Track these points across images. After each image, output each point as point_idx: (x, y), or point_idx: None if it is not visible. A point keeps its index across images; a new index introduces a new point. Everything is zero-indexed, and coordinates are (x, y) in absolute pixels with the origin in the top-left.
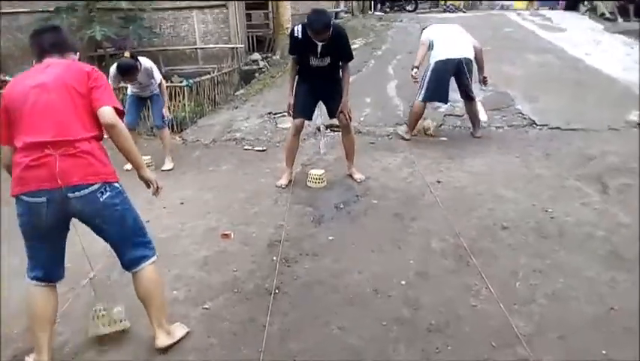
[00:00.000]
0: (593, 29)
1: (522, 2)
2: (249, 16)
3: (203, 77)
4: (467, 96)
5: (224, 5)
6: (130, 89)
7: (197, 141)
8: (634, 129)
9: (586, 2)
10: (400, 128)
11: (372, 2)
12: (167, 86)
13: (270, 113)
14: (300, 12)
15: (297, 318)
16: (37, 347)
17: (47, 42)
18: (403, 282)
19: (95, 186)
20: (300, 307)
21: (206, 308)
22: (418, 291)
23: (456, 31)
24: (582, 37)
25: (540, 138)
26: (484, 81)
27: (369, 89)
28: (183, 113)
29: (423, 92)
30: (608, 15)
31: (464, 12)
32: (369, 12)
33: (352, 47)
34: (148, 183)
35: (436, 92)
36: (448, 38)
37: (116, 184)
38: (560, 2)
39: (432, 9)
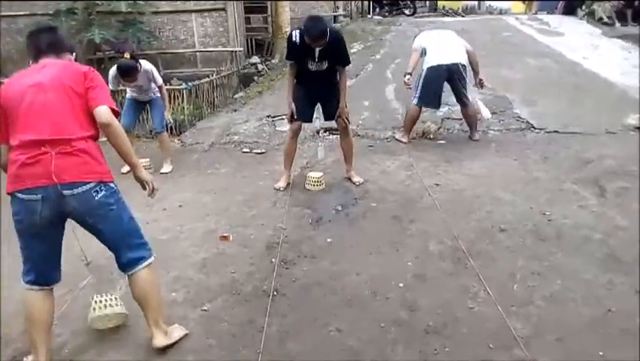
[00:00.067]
0: (590, 34)
1: (521, 6)
2: (248, 20)
3: (202, 80)
4: (461, 101)
5: (223, 9)
6: (128, 92)
7: (196, 143)
8: (631, 133)
9: (584, 7)
10: (397, 133)
11: (371, 6)
12: (166, 89)
13: (268, 116)
14: (299, 15)
15: (296, 320)
16: (35, 350)
17: (44, 42)
18: (401, 284)
19: (91, 185)
20: (299, 309)
21: (205, 310)
22: (415, 293)
23: (448, 37)
24: (580, 41)
25: (538, 142)
26: (480, 84)
27: (368, 93)
28: (182, 116)
29: (417, 96)
30: (605, 19)
31: (463, 16)
32: (368, 16)
33: (351, 50)
34: (144, 184)
35: (428, 97)
36: (440, 44)
37: (111, 184)
38: (559, 6)
39: (430, 13)
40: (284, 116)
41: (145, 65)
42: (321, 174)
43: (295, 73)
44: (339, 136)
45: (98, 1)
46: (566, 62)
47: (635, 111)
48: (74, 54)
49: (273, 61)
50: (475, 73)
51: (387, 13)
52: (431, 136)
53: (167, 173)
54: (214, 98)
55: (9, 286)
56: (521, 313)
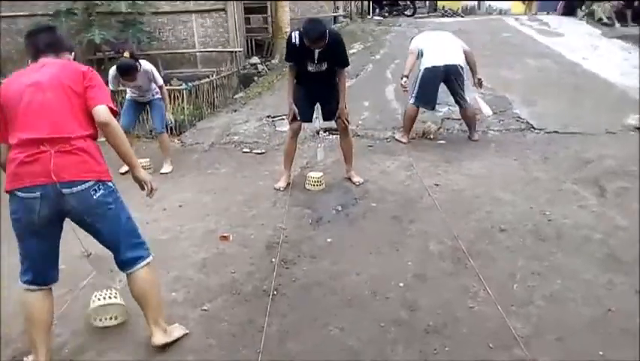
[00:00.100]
0: (590, 34)
1: (520, 7)
2: (247, 20)
3: (202, 81)
4: (458, 102)
5: (223, 9)
6: (128, 93)
7: (196, 143)
8: (631, 133)
9: (583, 7)
10: (397, 133)
11: (371, 6)
12: (166, 90)
13: (268, 117)
14: (299, 15)
15: (296, 319)
16: (35, 350)
17: (42, 42)
18: (401, 284)
19: (89, 183)
20: (299, 309)
21: (205, 310)
22: (415, 293)
23: (445, 38)
24: (580, 42)
25: (538, 142)
26: (479, 83)
27: (368, 93)
28: (182, 117)
29: (413, 96)
30: (605, 20)
31: (462, 17)
32: (368, 16)
33: (351, 51)
34: (142, 185)
35: (425, 97)
36: (437, 45)
37: (110, 183)
38: (559, 7)
39: (430, 14)
40: (284, 117)
41: (145, 65)
42: (321, 174)
43: (295, 74)
44: (339, 136)
45: (97, 2)
46: (566, 63)
47: (635, 111)
48: (73, 53)
49: (273, 61)
50: (474, 73)
51: (387, 14)
52: (431, 136)
53: (167, 173)
54: (214, 99)
55: (9, 286)
56: (521, 312)
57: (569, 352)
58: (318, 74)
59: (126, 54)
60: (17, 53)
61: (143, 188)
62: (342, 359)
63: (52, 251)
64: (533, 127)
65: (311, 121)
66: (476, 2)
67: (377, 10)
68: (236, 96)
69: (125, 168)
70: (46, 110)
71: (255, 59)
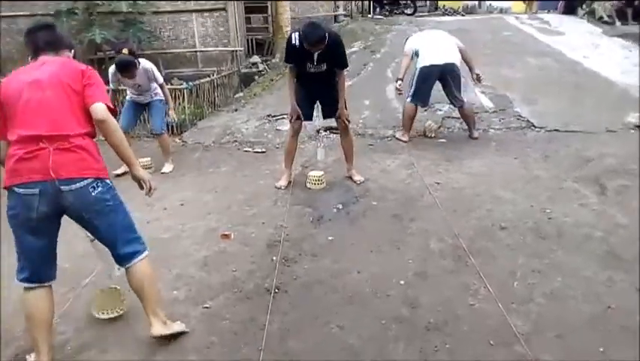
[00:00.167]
0: (591, 33)
1: (521, 5)
2: (248, 20)
3: (202, 80)
4: (453, 103)
5: (223, 8)
6: (128, 94)
7: (197, 143)
8: (632, 131)
9: (584, 6)
10: (397, 132)
11: (372, 5)
12: (168, 91)
13: (269, 116)
14: (299, 15)
15: (297, 317)
16: (37, 348)
17: (42, 40)
18: (402, 282)
19: (88, 181)
20: (300, 307)
21: (207, 308)
22: (416, 291)
23: (440, 37)
24: (580, 40)
25: (538, 140)
26: (477, 78)
27: (368, 92)
28: (183, 116)
29: (410, 95)
30: (606, 18)
31: (463, 15)
32: (369, 15)
33: (351, 49)
34: (141, 183)
35: (422, 95)
36: (433, 45)
37: (108, 180)
38: (559, 6)
39: (431, 12)
40: (284, 116)
41: (145, 63)
42: (321, 172)
43: (295, 74)
44: (339, 135)
45: (98, 2)
46: (567, 61)
47: (636, 110)
48: (73, 51)
49: (273, 60)
50: (471, 68)
51: (387, 13)
52: (432, 135)
53: (168, 172)
54: (215, 98)
55: (10, 284)
56: (522, 310)
57: (569, 349)
58: (317, 74)
59: (125, 51)
60: (18, 52)
61: (142, 187)
62: (343, 357)
63: (49, 249)
64: (534, 125)
65: (311, 120)
66: (477, 1)
67: (378, 9)
68: (236, 95)
69: (120, 170)
70: (46, 107)
71: (255, 59)
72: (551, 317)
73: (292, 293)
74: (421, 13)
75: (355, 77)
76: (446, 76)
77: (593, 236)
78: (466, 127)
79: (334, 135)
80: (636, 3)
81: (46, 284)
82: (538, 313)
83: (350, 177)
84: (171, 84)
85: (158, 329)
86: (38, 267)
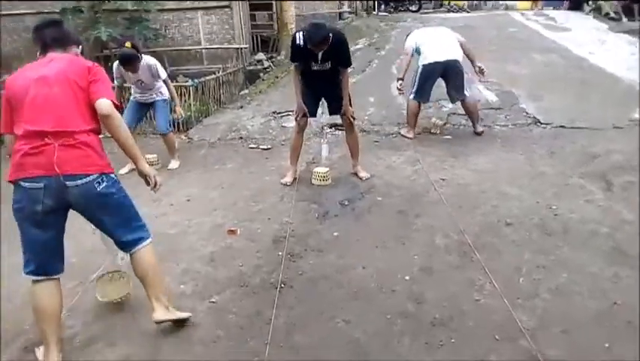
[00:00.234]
0: (597, 29)
1: (526, 2)
2: (253, 17)
3: (208, 77)
4: (454, 98)
5: (228, 6)
6: (132, 92)
7: (203, 140)
8: (638, 127)
9: (590, 2)
10: (402, 128)
11: (376, 3)
12: (173, 87)
13: (274, 113)
14: (304, 12)
15: (303, 312)
16: (45, 341)
17: (49, 37)
18: (407, 277)
19: (93, 177)
20: (306, 302)
21: (213, 302)
22: (422, 286)
23: (442, 34)
24: (586, 36)
25: (544, 137)
26: (480, 72)
27: (373, 89)
28: (189, 113)
29: (413, 92)
30: (612, 15)
31: (468, 12)
32: (373, 12)
33: (356, 46)
34: (146, 179)
35: (423, 92)
36: (435, 41)
37: (112, 175)
38: (564, 2)
39: (436, 9)
40: (289, 113)
41: (148, 59)
42: (327, 169)
43: (300, 72)
44: (344, 132)
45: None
46: (573, 58)
47: None
48: (80, 47)
49: (278, 58)
50: (473, 62)
51: (392, 10)
52: (437, 131)
53: (174, 169)
54: (220, 95)
55: (19, 277)
56: (527, 305)
57: (574, 344)
58: (322, 73)
59: (127, 44)
60: (25, 50)
61: (148, 183)
62: (349, 351)
63: (55, 242)
64: (540, 122)
65: (314, 115)
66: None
67: (382, 6)
68: (242, 92)
69: (125, 169)
70: (52, 104)
71: (260, 56)
72: (557, 313)
73: (298, 288)
74: (425, 10)
75: (360, 74)
76: (449, 72)
77: (599, 232)
78: (472, 128)
79: (339, 132)
80: None
81: (53, 277)
82: (544, 308)
83: (355, 174)
84: (177, 81)
85: (161, 313)
86: (44, 260)
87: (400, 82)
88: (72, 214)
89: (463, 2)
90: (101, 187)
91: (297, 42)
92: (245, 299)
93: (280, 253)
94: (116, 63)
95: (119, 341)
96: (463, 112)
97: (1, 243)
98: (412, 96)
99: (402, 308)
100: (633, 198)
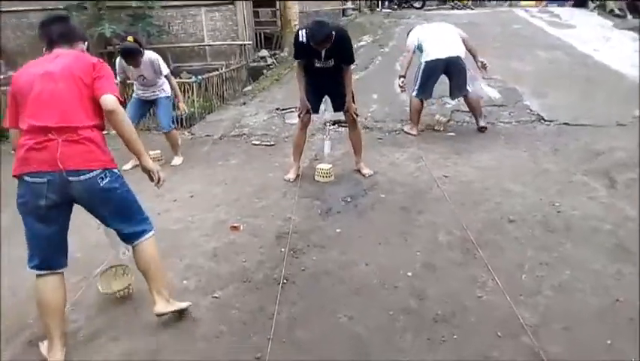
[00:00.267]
0: (602, 26)
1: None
2: (256, 14)
3: (211, 74)
4: (457, 94)
5: (231, 3)
6: (135, 89)
7: (206, 136)
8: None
9: None
10: (405, 125)
11: None
12: (175, 81)
13: (277, 109)
14: (307, 9)
15: (305, 307)
16: (49, 335)
17: (56, 33)
18: (410, 273)
19: (96, 172)
20: (308, 297)
21: (216, 297)
22: (424, 282)
23: (444, 30)
24: (591, 33)
25: (548, 134)
26: (483, 66)
27: (377, 86)
28: (192, 109)
29: (416, 89)
30: (617, 12)
31: (472, 9)
32: (377, 9)
33: (360, 43)
34: (150, 174)
35: (425, 89)
36: (437, 38)
37: (115, 170)
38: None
39: (439, 6)
40: (293, 109)
41: (150, 54)
42: (330, 166)
43: (303, 69)
44: (348, 128)
45: None
46: (577, 55)
47: None
48: (86, 43)
49: (281, 54)
50: (475, 57)
51: (396, 7)
52: (440, 128)
53: (177, 165)
54: (223, 92)
55: (24, 271)
56: (529, 302)
57: (576, 341)
58: (325, 70)
59: (130, 38)
60: (29, 46)
61: (151, 179)
62: (351, 347)
63: (59, 236)
64: (544, 119)
65: (317, 112)
66: None
67: (386, 3)
68: (245, 89)
69: (129, 165)
70: (56, 99)
71: (263, 52)
72: (559, 310)
73: (300, 284)
74: (429, 7)
75: (364, 71)
76: (451, 69)
77: (602, 229)
78: (475, 125)
79: (343, 129)
80: None
81: (57, 271)
82: (546, 305)
83: (358, 170)
84: (180, 78)
85: (162, 306)
86: (48, 254)
87: (402, 79)
88: (76, 209)
89: None
90: (104, 183)
91: (300, 40)
92: (247, 295)
93: (283, 249)
94: (118, 59)
95: (122, 336)
96: (467, 109)
97: (5, 238)
98: (414, 93)
99: (404, 304)
100: (636, 196)
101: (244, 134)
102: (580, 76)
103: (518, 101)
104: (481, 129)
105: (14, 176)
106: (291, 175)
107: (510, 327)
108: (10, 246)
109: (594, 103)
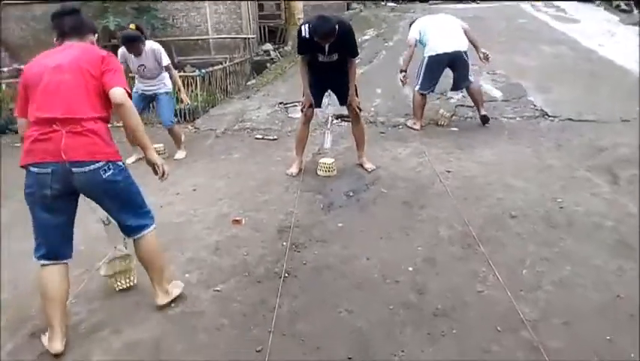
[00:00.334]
0: (608, 21)
1: None
2: (260, 7)
3: (215, 67)
4: (460, 87)
5: None
6: (136, 82)
7: (210, 129)
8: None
9: None
10: (409, 120)
11: None
12: (179, 76)
13: (281, 103)
14: (311, 3)
15: (306, 301)
16: (51, 327)
17: (67, 25)
18: (411, 268)
19: (99, 164)
20: (309, 291)
21: (218, 290)
22: (425, 277)
23: (446, 22)
24: (596, 28)
25: (552, 129)
26: (485, 57)
27: (380, 80)
28: (196, 103)
29: (419, 83)
30: (623, 6)
31: (477, 3)
32: (382, 2)
33: (364, 37)
34: (155, 168)
35: (431, 83)
36: (440, 32)
37: (119, 162)
38: None
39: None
40: (296, 103)
41: (152, 44)
42: (332, 160)
43: (307, 63)
44: (351, 123)
45: None
46: (582, 50)
47: None
48: (96, 35)
49: (285, 48)
50: (477, 49)
51: (400, 0)
52: (444, 123)
53: (180, 159)
54: (227, 85)
55: (27, 264)
56: (530, 297)
57: (575, 336)
58: (329, 64)
59: (132, 26)
60: (33, 39)
61: (156, 172)
62: (351, 340)
63: (65, 227)
64: (547, 114)
65: (320, 106)
66: None
67: None
68: (249, 83)
69: (132, 159)
70: (62, 91)
71: (267, 46)
72: (559, 305)
73: (302, 278)
74: (435, 1)
75: (367, 65)
76: (455, 63)
77: (604, 225)
78: (478, 117)
79: (346, 123)
80: None
81: (62, 262)
82: (546, 300)
83: (361, 165)
84: (184, 71)
85: (163, 299)
86: (55, 244)
87: (403, 74)
88: (80, 201)
89: None
90: (107, 175)
91: (303, 34)
92: (249, 288)
93: (285, 243)
94: (121, 49)
95: (124, 328)
96: (471, 103)
97: (6, 231)
98: (417, 88)
99: (405, 299)
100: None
101: (247, 128)
102: (584, 71)
103: (522, 97)
104: (484, 118)
105: (21, 166)
106: (294, 169)
107: (510, 322)
108: (10, 239)
109: (598, 99)
